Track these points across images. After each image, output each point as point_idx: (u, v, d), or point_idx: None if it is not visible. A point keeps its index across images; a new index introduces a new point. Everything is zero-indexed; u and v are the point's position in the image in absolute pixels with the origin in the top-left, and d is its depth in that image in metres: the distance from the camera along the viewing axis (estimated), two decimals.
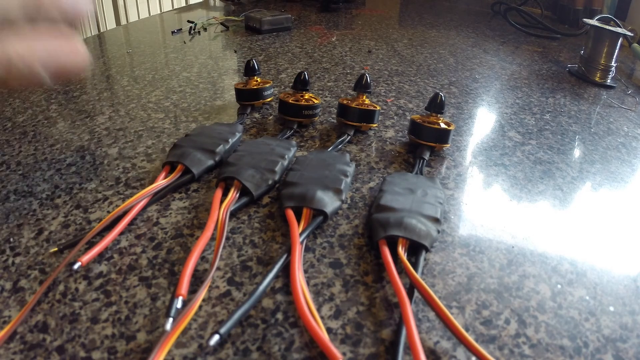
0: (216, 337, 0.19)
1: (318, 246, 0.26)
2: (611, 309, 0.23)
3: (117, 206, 0.28)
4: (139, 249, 0.25)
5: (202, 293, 0.21)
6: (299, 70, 0.41)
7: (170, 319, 0.20)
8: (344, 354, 0.20)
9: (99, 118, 0.41)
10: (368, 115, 0.38)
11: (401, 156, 0.36)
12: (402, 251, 0.24)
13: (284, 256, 0.24)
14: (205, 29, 0.73)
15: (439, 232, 0.26)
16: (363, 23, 0.83)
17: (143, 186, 0.31)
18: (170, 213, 0.28)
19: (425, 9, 1.00)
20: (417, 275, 0.22)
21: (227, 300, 0.22)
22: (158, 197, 0.29)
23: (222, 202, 0.27)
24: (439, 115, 0.36)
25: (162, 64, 0.56)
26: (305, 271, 0.24)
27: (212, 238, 0.25)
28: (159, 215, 0.28)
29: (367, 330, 0.21)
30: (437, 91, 0.36)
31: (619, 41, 0.55)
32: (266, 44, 0.65)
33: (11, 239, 0.26)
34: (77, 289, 0.22)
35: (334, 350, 0.18)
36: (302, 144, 0.37)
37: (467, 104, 0.47)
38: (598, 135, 0.42)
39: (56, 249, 0.25)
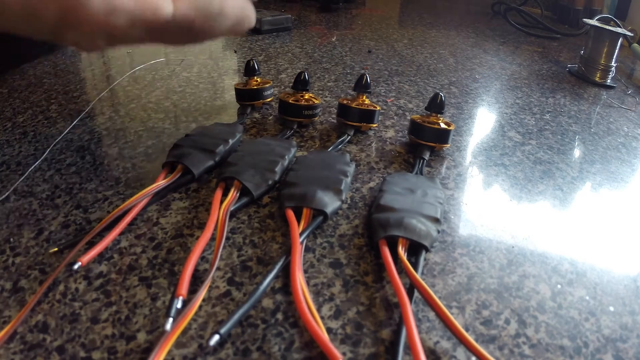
0: (216, 337, 0.19)
1: (318, 246, 0.26)
2: (611, 309, 0.23)
3: (117, 206, 0.28)
4: (139, 249, 0.25)
5: (202, 293, 0.21)
6: (299, 70, 0.41)
7: (170, 319, 0.20)
8: (344, 354, 0.20)
9: (99, 118, 0.41)
10: (368, 115, 0.38)
11: (401, 156, 0.36)
12: (402, 251, 0.24)
13: (284, 256, 0.24)
14: None
15: (439, 232, 0.26)
16: (363, 23, 0.83)
17: (143, 186, 0.31)
18: (170, 213, 0.28)
19: (425, 9, 1.00)
20: (417, 275, 0.22)
21: (227, 300, 0.22)
22: (158, 197, 0.29)
23: (222, 202, 0.27)
24: (439, 115, 0.36)
25: (162, 63, 0.56)
26: (305, 271, 0.24)
27: (212, 238, 0.25)
28: (159, 215, 0.28)
29: (367, 330, 0.21)
30: (437, 91, 0.36)
31: (619, 41, 0.55)
32: (266, 44, 0.65)
33: (11, 239, 0.26)
34: (77, 289, 0.22)
35: (334, 350, 0.18)
36: (302, 144, 0.37)
37: (467, 104, 0.47)
38: (598, 135, 0.42)
39: (56, 249, 0.25)
